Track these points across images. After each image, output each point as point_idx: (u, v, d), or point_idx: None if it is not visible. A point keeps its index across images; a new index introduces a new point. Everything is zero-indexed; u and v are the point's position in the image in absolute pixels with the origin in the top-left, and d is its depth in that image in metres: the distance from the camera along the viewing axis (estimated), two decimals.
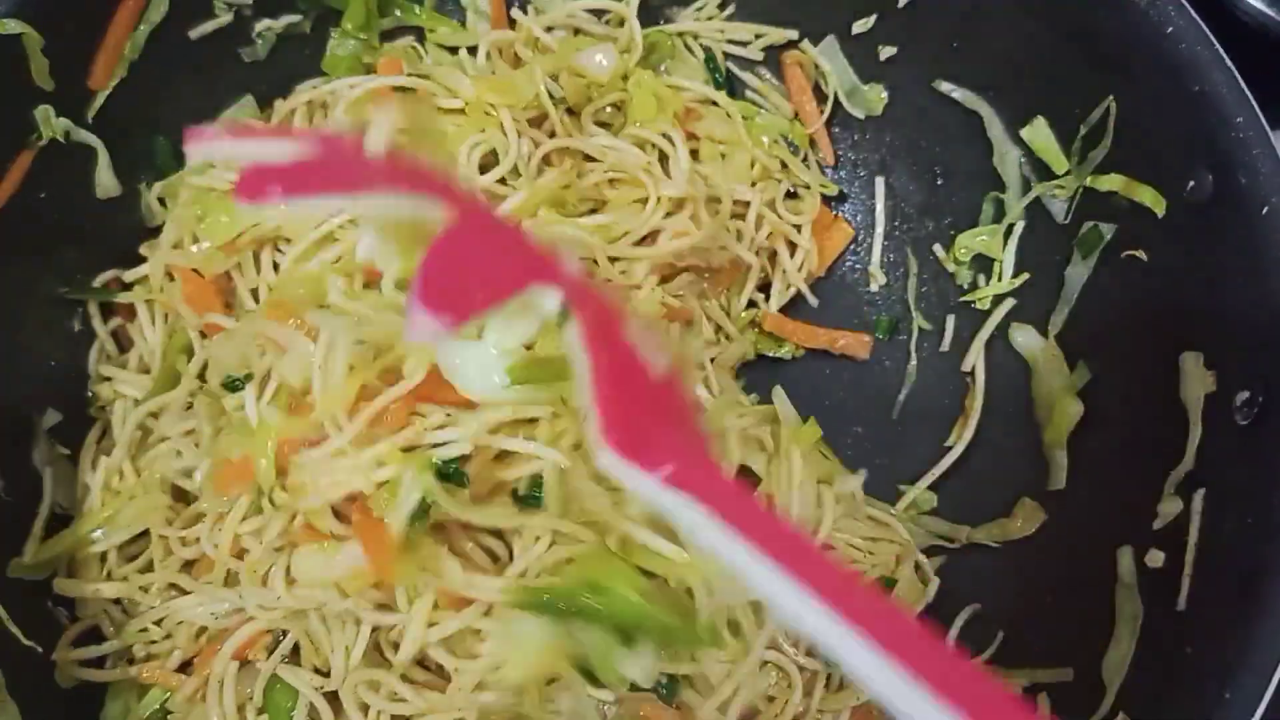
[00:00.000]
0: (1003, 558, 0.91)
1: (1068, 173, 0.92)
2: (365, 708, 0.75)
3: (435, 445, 0.71)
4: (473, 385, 0.67)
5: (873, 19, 1.01)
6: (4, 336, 0.84)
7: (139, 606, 0.83)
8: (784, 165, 1.03)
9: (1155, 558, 0.76)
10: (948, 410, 0.99)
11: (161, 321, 0.92)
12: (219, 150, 0.57)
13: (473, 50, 1.01)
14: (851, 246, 1.07)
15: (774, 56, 1.06)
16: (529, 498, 0.74)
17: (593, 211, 0.94)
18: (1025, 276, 0.96)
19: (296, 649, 0.78)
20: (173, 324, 0.92)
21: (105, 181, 0.90)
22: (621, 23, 1.03)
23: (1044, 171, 0.94)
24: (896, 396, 1.02)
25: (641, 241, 0.92)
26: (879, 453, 0.99)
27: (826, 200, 1.06)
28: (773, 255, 1.02)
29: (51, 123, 0.84)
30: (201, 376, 0.87)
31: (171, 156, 0.95)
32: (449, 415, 0.72)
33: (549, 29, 1.01)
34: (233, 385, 0.80)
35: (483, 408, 0.71)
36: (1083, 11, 0.84)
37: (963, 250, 1.00)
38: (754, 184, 1.00)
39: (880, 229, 1.06)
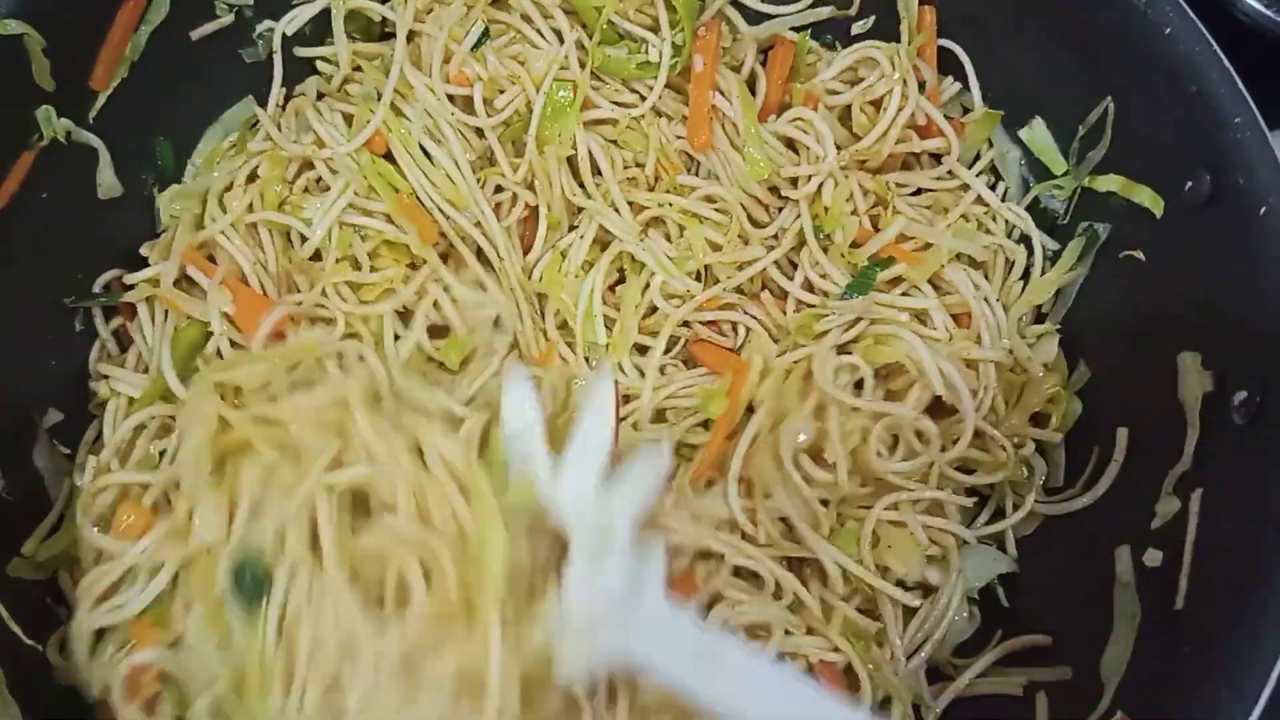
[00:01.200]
0: None
1: (1066, 173, 0.92)
2: None
3: None
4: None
5: (871, 19, 1.02)
6: (5, 336, 0.84)
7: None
8: None
9: (1153, 557, 0.76)
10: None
11: (162, 320, 0.92)
12: None
13: None
14: None
15: None
16: None
17: None
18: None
19: None
20: (174, 322, 0.92)
21: (107, 182, 0.91)
22: None
23: (1043, 172, 0.94)
24: None
25: None
26: None
27: None
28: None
29: (53, 123, 0.84)
30: None
31: (172, 157, 0.96)
32: None
33: None
34: None
35: None
36: (1081, 12, 0.84)
37: None
38: None
39: None
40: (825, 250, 0.93)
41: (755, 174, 0.93)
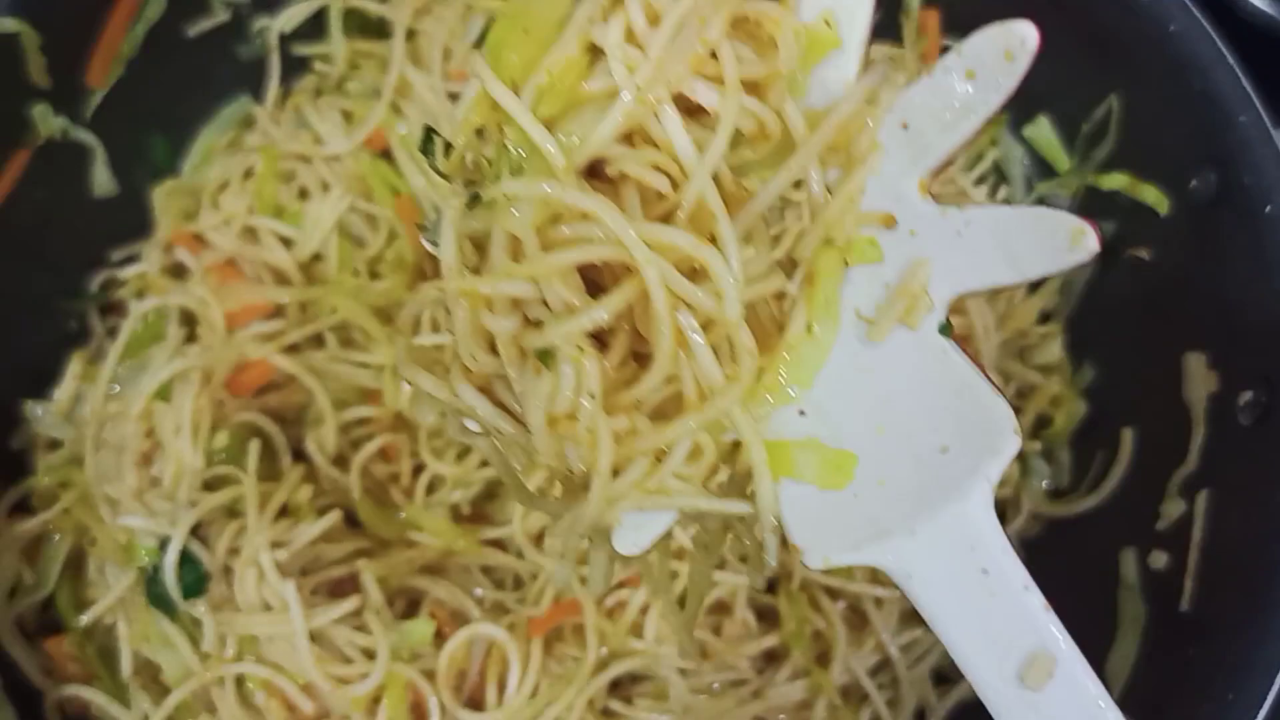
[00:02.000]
0: None
1: (1070, 171, 0.92)
2: None
3: None
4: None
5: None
6: (0, 335, 0.83)
7: None
8: None
9: (1159, 559, 0.76)
10: None
11: (152, 315, 0.90)
12: None
13: None
14: None
15: None
16: None
17: None
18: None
19: None
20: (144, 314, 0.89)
21: (102, 180, 0.90)
22: None
23: (1047, 170, 0.94)
24: None
25: None
26: None
27: None
28: None
29: (49, 121, 0.83)
30: None
31: (168, 154, 0.95)
32: None
33: None
34: None
35: None
36: (1086, 10, 0.84)
37: None
38: None
39: None
40: None
41: None
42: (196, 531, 0.76)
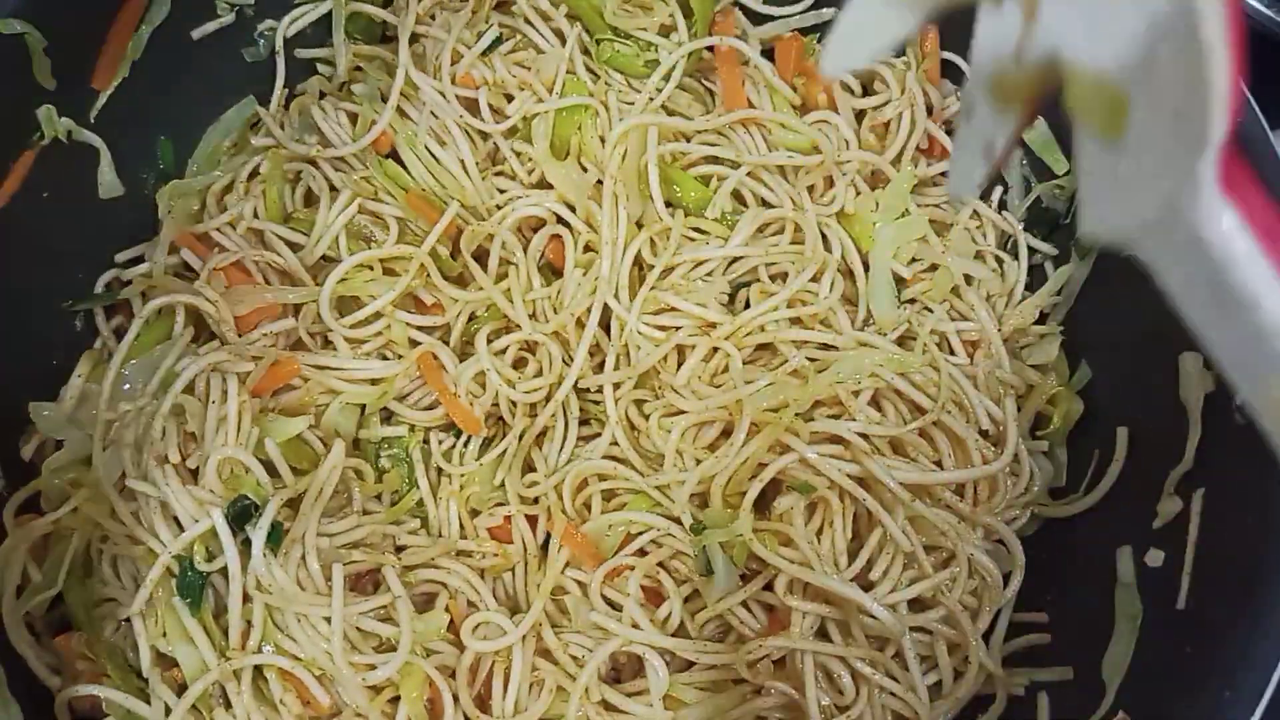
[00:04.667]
0: None
1: (1068, 172, 0.92)
2: None
3: None
4: None
5: None
6: (5, 334, 0.84)
7: None
8: None
9: (1155, 557, 0.76)
10: None
11: (155, 315, 0.90)
12: None
13: None
14: None
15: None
16: None
17: None
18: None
19: None
20: (147, 316, 0.89)
21: (108, 181, 0.91)
22: None
23: (1044, 171, 0.94)
24: None
25: None
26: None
27: None
28: None
29: (54, 122, 0.84)
30: None
31: (173, 156, 0.95)
32: None
33: None
34: None
35: None
36: None
37: None
38: None
39: None
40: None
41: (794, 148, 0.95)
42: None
